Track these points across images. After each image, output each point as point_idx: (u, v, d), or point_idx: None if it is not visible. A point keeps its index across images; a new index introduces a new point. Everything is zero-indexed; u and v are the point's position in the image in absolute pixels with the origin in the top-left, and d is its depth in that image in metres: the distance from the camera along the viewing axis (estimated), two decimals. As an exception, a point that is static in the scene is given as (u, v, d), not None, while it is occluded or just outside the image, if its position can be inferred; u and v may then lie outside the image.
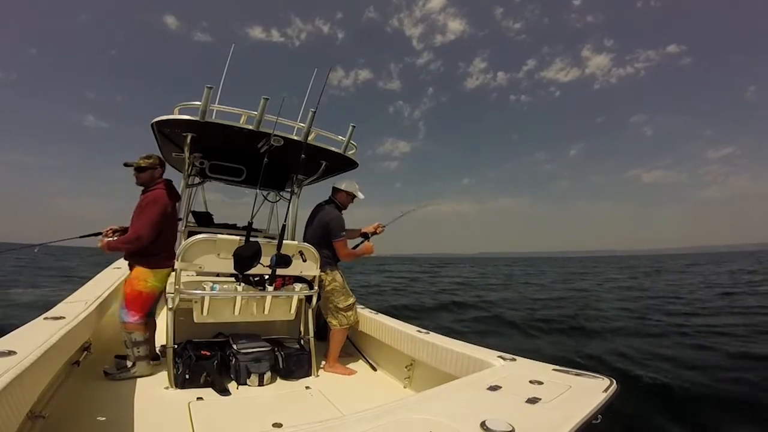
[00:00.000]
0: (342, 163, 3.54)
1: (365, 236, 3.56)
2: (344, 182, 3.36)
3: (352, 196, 3.36)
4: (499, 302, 11.19)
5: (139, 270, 2.66)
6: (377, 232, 3.58)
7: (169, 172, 3.91)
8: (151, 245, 2.63)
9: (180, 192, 3.40)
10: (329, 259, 3.16)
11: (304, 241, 3.27)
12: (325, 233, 3.14)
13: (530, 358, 2.10)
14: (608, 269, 32.57)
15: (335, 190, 3.36)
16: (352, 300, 3.20)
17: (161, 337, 2.82)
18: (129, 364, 2.57)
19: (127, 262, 2.84)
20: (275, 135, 2.82)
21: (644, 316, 8.24)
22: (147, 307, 2.71)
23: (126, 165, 2.78)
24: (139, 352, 2.59)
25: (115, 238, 2.76)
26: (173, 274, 2.63)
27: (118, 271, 3.65)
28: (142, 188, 2.79)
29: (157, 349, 2.96)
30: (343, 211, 3.31)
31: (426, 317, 8.78)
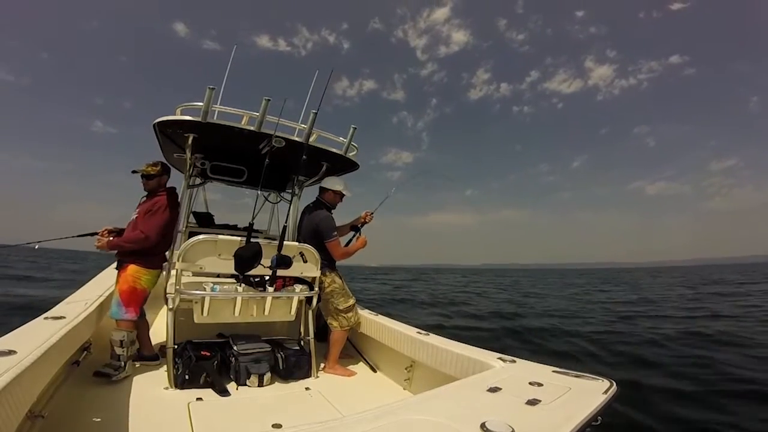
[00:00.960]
0: (343, 165, 3.55)
1: (356, 229, 3.50)
2: (331, 181, 3.33)
3: (340, 195, 3.31)
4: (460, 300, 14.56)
5: (134, 268, 2.70)
6: (367, 221, 3.52)
7: (171, 173, 3.93)
8: (152, 246, 2.74)
9: (181, 192, 3.40)
10: (326, 262, 3.14)
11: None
12: (315, 236, 3.10)
13: (526, 358, 2.11)
14: (591, 281, 33.47)
15: (322, 189, 3.32)
16: (352, 301, 3.20)
17: (161, 337, 2.81)
18: (122, 363, 2.54)
19: (115, 262, 2.86)
20: (277, 136, 2.82)
21: (566, 314, 10.47)
22: (141, 304, 2.75)
23: (134, 172, 2.89)
24: (131, 351, 2.60)
25: (112, 237, 2.80)
26: (173, 273, 2.63)
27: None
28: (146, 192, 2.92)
29: (157, 349, 2.97)
30: (332, 211, 3.28)
31: (396, 309, 11.01)
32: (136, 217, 2.80)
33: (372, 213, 3.53)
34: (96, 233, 2.85)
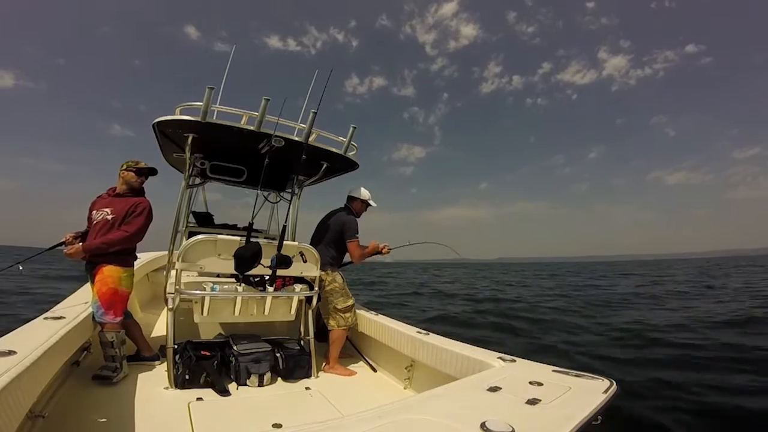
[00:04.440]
0: (343, 164, 3.54)
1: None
2: (360, 190, 3.50)
3: (366, 205, 3.50)
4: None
5: (112, 269, 2.63)
6: (382, 251, 3.65)
7: (170, 173, 3.91)
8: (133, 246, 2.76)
9: (180, 192, 3.40)
10: (333, 260, 3.23)
11: (312, 242, 3.29)
12: (338, 234, 3.24)
13: (527, 358, 2.11)
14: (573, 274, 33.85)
15: (351, 198, 3.49)
16: (351, 302, 3.21)
17: (161, 337, 2.81)
18: (117, 364, 2.52)
19: (84, 263, 2.75)
20: (276, 136, 2.82)
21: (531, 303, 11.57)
22: (124, 305, 2.70)
23: (154, 173, 2.91)
24: (123, 350, 2.60)
25: (79, 242, 2.69)
26: (173, 273, 2.63)
27: None
28: (124, 189, 2.80)
29: (157, 349, 2.97)
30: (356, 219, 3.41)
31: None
32: (113, 218, 2.67)
33: (390, 249, 3.63)
34: (63, 242, 2.76)
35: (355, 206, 3.47)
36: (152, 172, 2.90)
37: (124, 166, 2.81)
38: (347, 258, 3.42)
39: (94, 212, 2.74)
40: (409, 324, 3.04)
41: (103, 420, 2.01)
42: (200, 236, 2.63)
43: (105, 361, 2.54)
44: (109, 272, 2.62)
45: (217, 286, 2.69)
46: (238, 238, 2.69)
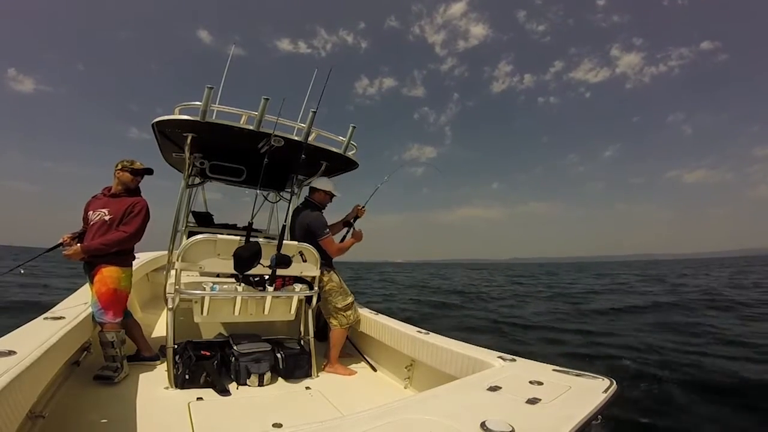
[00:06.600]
0: (342, 164, 3.54)
1: (349, 224, 3.51)
2: (320, 181, 3.37)
3: (330, 195, 3.35)
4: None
5: (111, 269, 2.63)
6: (359, 215, 3.52)
7: (170, 172, 3.91)
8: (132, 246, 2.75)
9: (180, 192, 3.40)
10: (322, 260, 3.15)
11: None
12: (308, 235, 3.11)
13: (527, 358, 2.11)
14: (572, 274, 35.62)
15: (312, 190, 3.36)
16: (350, 299, 3.21)
17: (161, 337, 2.81)
18: (118, 364, 2.52)
19: (80, 264, 2.73)
20: (276, 135, 2.82)
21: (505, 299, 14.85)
22: (123, 305, 2.70)
23: (150, 173, 2.89)
24: (124, 350, 2.59)
25: (77, 243, 2.67)
26: (173, 273, 2.63)
27: None
28: (120, 189, 2.78)
29: (157, 349, 2.97)
30: (323, 211, 3.30)
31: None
32: (111, 218, 2.65)
33: (363, 206, 3.52)
34: (61, 244, 2.74)
35: (317, 197, 3.30)
36: (148, 172, 2.87)
37: (119, 166, 2.77)
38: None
39: (91, 212, 2.72)
40: (408, 323, 3.04)
41: (103, 420, 2.01)
42: (200, 236, 2.62)
43: (105, 361, 2.54)
44: (108, 272, 2.61)
45: (217, 286, 2.69)
46: (238, 237, 2.69)
